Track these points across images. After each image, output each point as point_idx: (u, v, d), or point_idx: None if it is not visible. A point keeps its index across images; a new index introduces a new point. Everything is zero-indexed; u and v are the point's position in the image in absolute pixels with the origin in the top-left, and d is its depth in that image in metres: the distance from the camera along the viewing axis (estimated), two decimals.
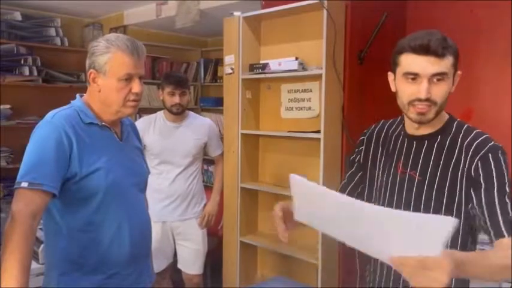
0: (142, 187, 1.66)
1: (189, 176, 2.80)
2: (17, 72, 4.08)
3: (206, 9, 3.74)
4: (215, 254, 3.24)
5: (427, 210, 1.30)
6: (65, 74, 4.46)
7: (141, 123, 2.78)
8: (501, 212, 1.20)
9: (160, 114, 2.85)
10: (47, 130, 1.39)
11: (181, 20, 3.79)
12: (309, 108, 2.71)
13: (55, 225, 1.46)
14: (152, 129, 2.78)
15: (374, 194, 1.47)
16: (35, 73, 4.12)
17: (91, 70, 1.49)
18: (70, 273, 1.45)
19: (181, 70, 5.08)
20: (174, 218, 2.79)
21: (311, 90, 2.70)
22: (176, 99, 2.71)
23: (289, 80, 2.80)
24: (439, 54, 1.25)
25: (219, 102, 4.52)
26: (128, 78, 1.47)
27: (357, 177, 1.57)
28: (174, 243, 2.85)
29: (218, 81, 5.00)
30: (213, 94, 5.00)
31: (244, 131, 2.90)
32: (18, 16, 4.18)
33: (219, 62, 5.03)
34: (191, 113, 2.93)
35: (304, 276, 2.72)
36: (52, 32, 4.38)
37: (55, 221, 1.46)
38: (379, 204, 1.42)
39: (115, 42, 1.46)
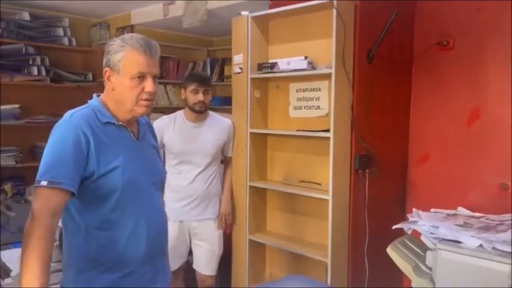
0: (159, 186, 1.68)
1: (209, 177, 2.82)
2: (25, 72, 4.10)
3: (213, 9, 3.76)
4: (223, 251, 3.25)
5: None
6: (72, 74, 4.49)
7: (160, 123, 2.81)
8: None
9: (180, 113, 2.87)
10: (65, 129, 1.41)
11: (189, 19, 3.81)
12: (318, 107, 2.72)
13: (73, 223, 1.48)
14: (172, 128, 2.80)
15: None
16: (43, 73, 4.14)
17: (106, 68, 1.51)
18: (87, 271, 1.47)
19: (188, 69, 5.10)
20: (191, 218, 2.80)
21: (320, 89, 2.71)
22: (200, 97, 2.74)
23: (297, 79, 2.82)
24: None
25: (225, 101, 4.53)
26: (141, 77, 1.48)
27: None
28: (190, 242, 2.87)
29: (225, 80, 5.02)
30: (220, 93, 5.01)
31: (253, 130, 2.92)
32: (26, 16, 4.21)
33: (225, 61, 5.05)
34: (211, 112, 2.95)
35: (312, 274, 2.73)
36: (60, 31, 4.41)
37: (73, 220, 1.48)
38: None
39: (129, 41, 1.49)
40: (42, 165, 1.37)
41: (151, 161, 1.64)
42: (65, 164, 1.36)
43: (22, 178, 4.22)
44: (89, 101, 1.57)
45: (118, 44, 1.49)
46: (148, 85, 1.49)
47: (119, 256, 1.49)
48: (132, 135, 1.58)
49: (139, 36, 1.52)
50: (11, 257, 2.30)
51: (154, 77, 1.52)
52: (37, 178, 1.34)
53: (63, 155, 1.37)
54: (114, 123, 1.52)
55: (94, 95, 1.59)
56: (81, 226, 1.47)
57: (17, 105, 4.02)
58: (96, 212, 1.46)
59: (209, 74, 5.12)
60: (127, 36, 1.53)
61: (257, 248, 3.04)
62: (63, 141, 1.39)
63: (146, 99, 1.51)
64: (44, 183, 1.32)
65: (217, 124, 2.90)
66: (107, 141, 1.46)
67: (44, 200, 1.32)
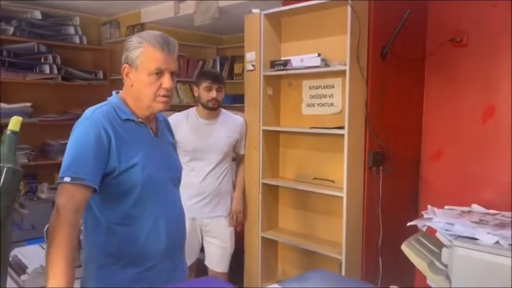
0: (177, 182, 1.69)
1: (220, 174, 2.83)
2: (37, 70, 4.12)
3: (224, 6, 3.76)
4: (235, 249, 3.26)
5: None
6: (83, 72, 4.50)
7: (172, 120, 2.82)
8: None
9: (192, 111, 2.89)
10: (87, 126, 1.43)
11: (200, 17, 3.81)
12: (331, 104, 2.72)
13: (94, 219, 1.50)
14: (185, 125, 2.82)
15: None
16: (55, 71, 4.16)
17: (125, 65, 1.53)
18: (108, 266, 1.49)
19: (198, 68, 5.10)
20: (203, 215, 2.82)
21: (333, 87, 2.71)
22: (213, 94, 2.76)
23: (310, 77, 2.82)
24: None
25: (235, 99, 4.54)
26: (159, 73, 1.49)
27: None
28: (202, 240, 2.89)
29: (234, 78, 5.02)
30: (230, 91, 5.00)
31: (266, 128, 2.92)
32: (38, 15, 4.22)
33: (235, 59, 5.05)
34: (223, 110, 2.97)
35: None
36: (71, 30, 4.42)
37: (94, 216, 1.50)
38: None
39: (147, 37, 1.50)
40: (65, 161, 1.39)
41: (169, 158, 1.66)
42: (87, 161, 1.37)
43: (34, 176, 4.24)
44: (108, 98, 1.59)
45: (136, 41, 1.51)
46: (166, 81, 1.50)
47: (140, 251, 1.50)
48: (151, 132, 1.59)
49: (157, 33, 1.53)
50: (26, 253, 2.32)
51: (172, 74, 1.52)
52: (60, 174, 1.36)
53: (85, 151, 1.38)
54: (134, 120, 1.53)
55: (113, 92, 1.61)
56: (102, 222, 1.49)
57: (29, 104, 4.04)
58: (117, 208, 1.48)
59: (219, 72, 5.13)
60: (145, 33, 1.54)
61: (269, 245, 3.05)
62: (85, 138, 1.40)
63: (164, 96, 1.52)
64: (67, 179, 1.34)
65: (230, 122, 2.90)
66: (127, 137, 1.48)
67: (68, 195, 1.34)
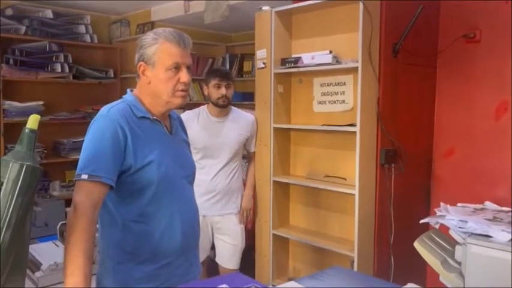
0: (191, 179, 1.69)
1: (231, 172, 2.84)
2: (49, 69, 4.15)
3: (234, 4, 3.76)
4: (245, 246, 3.27)
5: None
6: (94, 71, 4.53)
7: (183, 118, 2.83)
8: None
9: (203, 108, 2.90)
10: (103, 124, 1.44)
11: (210, 15, 3.82)
12: (343, 101, 2.72)
13: (110, 216, 1.51)
14: (196, 123, 2.83)
15: None
16: (67, 70, 4.19)
17: (140, 63, 1.53)
18: (125, 263, 1.50)
19: (207, 65, 5.11)
20: (214, 213, 2.83)
21: (344, 84, 2.70)
22: (222, 91, 2.77)
23: (321, 74, 2.81)
24: None
25: (245, 97, 4.54)
26: (176, 67, 1.50)
27: None
28: (212, 237, 2.90)
29: (244, 76, 5.02)
30: (239, 89, 5.01)
31: (277, 125, 2.92)
32: (49, 14, 4.25)
33: (244, 57, 5.05)
34: (234, 108, 2.97)
35: None
36: (82, 29, 4.45)
37: (110, 213, 1.51)
38: None
39: (162, 33, 1.51)
40: (82, 159, 1.40)
41: (184, 155, 1.67)
42: (104, 158, 1.38)
43: (46, 174, 4.28)
44: (123, 96, 1.59)
45: (151, 38, 1.51)
46: (184, 75, 1.51)
47: (155, 248, 1.51)
48: (166, 129, 1.59)
49: (170, 29, 1.54)
50: (39, 251, 2.34)
51: (188, 68, 1.53)
52: (77, 172, 1.37)
53: (102, 149, 1.39)
54: (149, 118, 1.54)
55: (128, 90, 1.61)
56: (117, 219, 1.50)
57: (41, 102, 4.07)
58: (132, 206, 1.49)
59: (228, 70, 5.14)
60: (159, 29, 1.55)
61: (280, 243, 3.05)
62: (101, 135, 1.41)
63: (182, 90, 1.53)
64: (84, 176, 1.35)
65: (241, 119, 2.91)
66: (142, 135, 1.48)
67: (86, 192, 1.35)
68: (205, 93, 2.88)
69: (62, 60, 4.18)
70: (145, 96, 1.56)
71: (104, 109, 1.49)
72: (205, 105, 2.92)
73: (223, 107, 2.81)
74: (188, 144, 1.79)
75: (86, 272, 1.26)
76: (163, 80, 1.50)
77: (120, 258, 1.51)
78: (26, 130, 1.16)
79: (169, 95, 1.51)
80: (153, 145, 1.50)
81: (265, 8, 2.97)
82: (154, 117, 1.56)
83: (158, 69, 1.50)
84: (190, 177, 1.69)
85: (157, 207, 1.50)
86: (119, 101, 1.56)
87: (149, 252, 1.51)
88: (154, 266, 1.51)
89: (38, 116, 1.20)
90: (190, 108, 2.99)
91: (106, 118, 1.45)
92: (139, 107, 1.53)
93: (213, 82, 2.80)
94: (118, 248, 1.51)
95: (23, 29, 4.08)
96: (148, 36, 1.52)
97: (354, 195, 2.50)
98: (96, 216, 1.37)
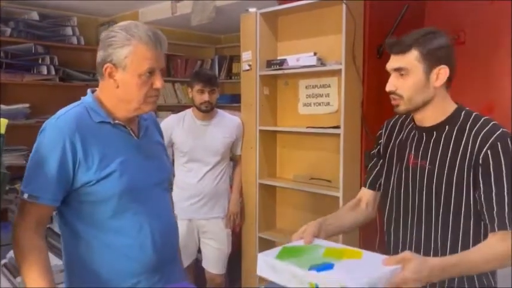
0: (166, 186, 1.55)
1: (217, 175, 2.82)
2: (35, 71, 4.11)
3: (221, 6, 3.75)
4: (232, 250, 3.24)
5: (437, 197, 1.35)
6: (81, 73, 4.50)
7: (169, 121, 2.83)
8: (508, 203, 1.23)
9: (189, 112, 2.87)
10: (50, 137, 1.30)
11: (197, 17, 3.80)
12: (328, 103, 2.71)
13: (71, 232, 1.38)
14: (181, 127, 2.80)
15: (390, 184, 1.52)
16: (53, 72, 4.15)
17: (107, 64, 1.33)
18: (89, 282, 1.37)
19: (196, 67, 5.09)
20: (200, 216, 2.81)
21: (329, 86, 2.69)
22: (205, 97, 2.73)
23: (306, 76, 2.80)
24: (399, 51, 1.38)
25: (234, 99, 4.52)
26: (150, 73, 1.34)
27: (377, 169, 1.62)
28: (199, 241, 2.87)
29: (233, 78, 5.01)
30: (228, 91, 5.00)
31: (262, 128, 2.91)
32: (35, 16, 4.21)
33: (233, 59, 5.04)
34: (220, 111, 2.95)
35: None
36: (69, 31, 4.41)
37: (71, 228, 1.38)
38: (393, 193, 1.50)
39: (136, 33, 1.32)
40: (26, 174, 1.31)
41: (156, 160, 1.49)
42: (46, 176, 1.27)
43: None
44: (82, 98, 1.42)
45: (123, 37, 1.31)
46: (158, 81, 1.35)
47: (122, 267, 1.37)
48: (131, 133, 1.43)
49: (145, 27, 1.35)
50: None
51: (161, 71, 1.38)
52: (21, 188, 1.30)
53: (46, 165, 1.27)
54: (110, 123, 1.38)
55: (88, 91, 1.44)
56: (81, 235, 1.36)
57: (27, 105, 4.03)
58: (93, 220, 1.35)
59: (217, 71, 5.10)
60: (132, 26, 1.34)
61: (267, 246, 3.01)
62: (46, 150, 1.29)
63: (155, 96, 1.39)
64: (25, 196, 1.28)
65: (227, 122, 2.89)
66: (101, 143, 1.33)
67: (24, 213, 1.29)
68: (190, 96, 2.86)
69: (48, 63, 4.14)
70: (109, 99, 1.39)
71: (55, 116, 1.34)
72: (191, 109, 2.90)
73: (206, 111, 2.79)
74: (163, 145, 1.63)
75: (45, 277, 1.23)
76: (135, 86, 1.33)
77: (85, 278, 1.38)
78: None
79: (141, 102, 1.36)
80: (115, 153, 1.35)
81: (251, 9, 2.96)
82: (116, 122, 1.39)
83: (129, 74, 1.32)
84: (165, 183, 1.54)
85: (122, 221, 1.36)
86: (77, 103, 1.40)
87: (115, 271, 1.36)
88: (123, 285, 1.36)
89: (6, 120, 1.17)
90: (179, 111, 2.97)
91: (54, 129, 1.30)
92: (98, 111, 1.37)
93: (197, 87, 2.76)
94: (79, 265, 1.38)
95: (8, 31, 4.03)
96: (119, 34, 1.32)
97: (338, 197, 2.48)
98: (39, 232, 1.30)
